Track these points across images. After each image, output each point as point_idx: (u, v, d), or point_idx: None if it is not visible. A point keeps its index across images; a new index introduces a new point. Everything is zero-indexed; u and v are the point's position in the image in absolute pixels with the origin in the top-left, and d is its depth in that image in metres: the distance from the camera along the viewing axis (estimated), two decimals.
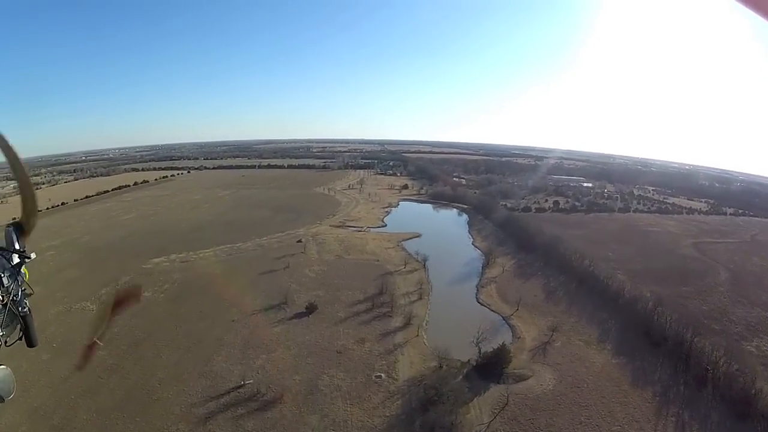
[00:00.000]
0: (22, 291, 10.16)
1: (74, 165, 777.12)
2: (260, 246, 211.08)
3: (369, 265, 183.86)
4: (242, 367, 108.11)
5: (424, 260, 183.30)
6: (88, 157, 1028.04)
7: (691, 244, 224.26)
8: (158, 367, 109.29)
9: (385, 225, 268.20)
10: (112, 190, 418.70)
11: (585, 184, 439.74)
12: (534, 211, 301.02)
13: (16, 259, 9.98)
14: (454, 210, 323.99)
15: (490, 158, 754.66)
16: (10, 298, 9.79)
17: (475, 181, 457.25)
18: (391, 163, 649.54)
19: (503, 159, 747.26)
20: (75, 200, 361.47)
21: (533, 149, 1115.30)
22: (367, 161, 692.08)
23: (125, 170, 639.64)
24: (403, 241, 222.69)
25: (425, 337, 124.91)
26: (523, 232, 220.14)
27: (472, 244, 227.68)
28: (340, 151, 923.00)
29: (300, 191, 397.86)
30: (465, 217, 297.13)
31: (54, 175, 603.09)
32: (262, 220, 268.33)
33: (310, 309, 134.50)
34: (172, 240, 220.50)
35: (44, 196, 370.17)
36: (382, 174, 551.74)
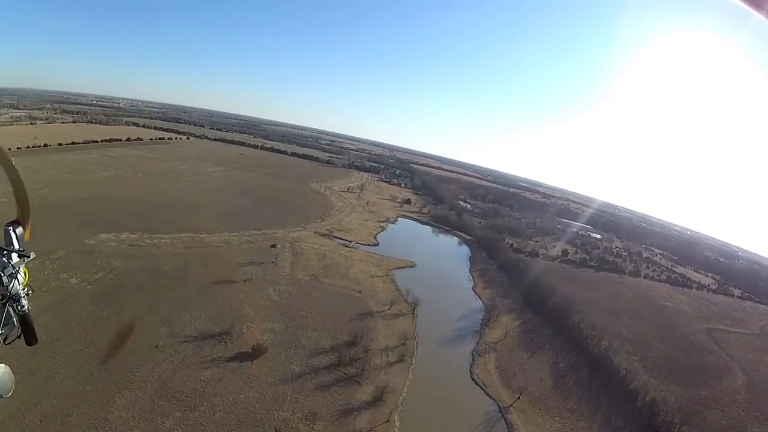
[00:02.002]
0: (21, 290, 10.04)
1: (80, 107, 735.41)
2: (227, 243, 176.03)
3: (348, 297, 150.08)
4: (145, 427, 75.21)
5: (415, 303, 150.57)
6: (98, 102, 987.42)
7: (705, 330, 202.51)
8: (33, 408, 75.48)
9: (378, 244, 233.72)
10: (102, 141, 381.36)
11: (594, 235, 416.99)
12: (541, 257, 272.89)
13: (15, 259, 9.95)
14: (456, 240, 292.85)
15: (499, 187, 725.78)
16: (10, 296, 9.72)
17: (481, 209, 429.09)
18: (397, 172, 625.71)
19: (511, 190, 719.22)
20: (59, 144, 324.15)
21: (541, 185, 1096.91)
22: (374, 164, 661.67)
23: (126, 123, 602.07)
24: (394, 269, 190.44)
25: (397, 424, 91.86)
26: (532, 285, 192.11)
27: (473, 289, 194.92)
28: (348, 149, 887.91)
29: (294, 184, 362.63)
30: (467, 251, 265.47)
31: (55, 113, 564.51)
32: (241, 210, 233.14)
33: (257, 351, 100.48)
34: (133, 214, 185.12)
35: (32, 134, 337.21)
36: (386, 182, 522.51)
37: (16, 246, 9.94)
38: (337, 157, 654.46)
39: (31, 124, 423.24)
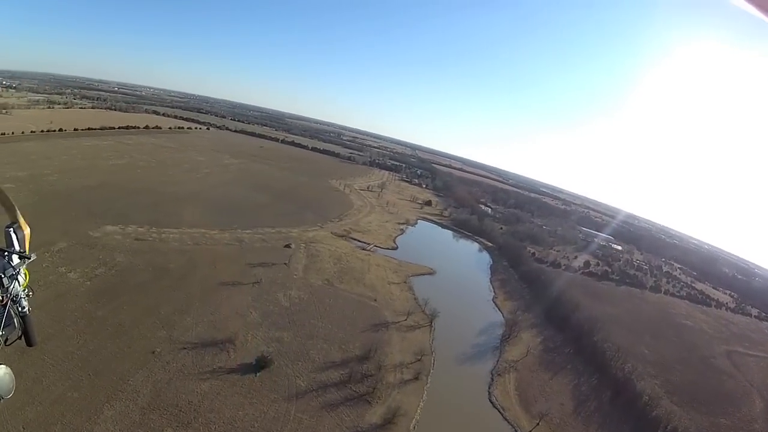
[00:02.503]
0: (22, 291, 10.46)
1: (100, 93, 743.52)
2: (239, 241, 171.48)
3: (363, 305, 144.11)
4: None
5: (433, 315, 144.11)
6: (120, 89, 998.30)
7: (725, 353, 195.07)
8: (17, 413, 70.80)
9: (396, 248, 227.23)
10: (119, 128, 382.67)
11: (615, 246, 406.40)
12: (563, 268, 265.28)
13: (15, 260, 10.29)
14: (477, 246, 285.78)
15: (520, 191, 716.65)
16: (10, 298, 10.06)
17: (502, 214, 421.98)
18: (418, 172, 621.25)
19: (532, 195, 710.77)
20: (75, 129, 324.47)
21: (561, 191, 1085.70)
22: (395, 163, 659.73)
23: (145, 111, 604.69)
24: (412, 276, 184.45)
25: None
26: (554, 299, 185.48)
27: (494, 300, 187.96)
28: (369, 146, 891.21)
29: (313, 180, 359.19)
30: (488, 258, 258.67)
31: (74, 98, 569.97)
32: (256, 206, 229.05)
33: (261, 364, 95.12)
34: (142, 205, 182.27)
35: (48, 118, 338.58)
36: (407, 181, 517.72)
37: (17, 247, 10.39)
38: (358, 154, 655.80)
39: (49, 108, 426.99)
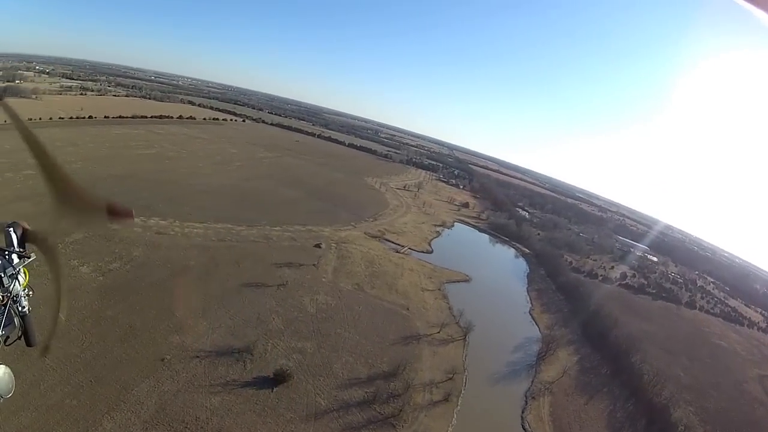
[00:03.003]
0: (22, 291, 10.71)
1: (136, 81, 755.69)
2: (266, 238, 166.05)
3: (393, 314, 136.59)
4: None
5: (468, 328, 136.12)
6: (156, 78, 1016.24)
7: (757, 378, 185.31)
8: (11, 417, 66.00)
9: (432, 251, 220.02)
10: (151, 117, 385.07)
11: (651, 257, 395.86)
12: (600, 278, 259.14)
13: (15, 260, 10.48)
14: (513, 252, 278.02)
15: (557, 196, 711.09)
16: (10, 298, 10.28)
17: (539, 220, 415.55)
18: (456, 172, 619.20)
19: (569, 200, 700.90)
20: (105, 117, 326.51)
21: (597, 197, 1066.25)
22: (432, 162, 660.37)
23: (181, 100, 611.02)
24: (447, 282, 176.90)
25: None
26: (592, 314, 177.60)
27: (530, 312, 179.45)
28: (407, 144, 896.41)
29: (348, 177, 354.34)
30: (524, 266, 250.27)
31: (108, 86, 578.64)
32: (287, 201, 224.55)
33: (279, 378, 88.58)
34: (167, 197, 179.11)
35: (79, 104, 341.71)
36: (444, 182, 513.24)
37: (17, 247, 10.52)
38: (395, 152, 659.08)
39: (81, 94, 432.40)
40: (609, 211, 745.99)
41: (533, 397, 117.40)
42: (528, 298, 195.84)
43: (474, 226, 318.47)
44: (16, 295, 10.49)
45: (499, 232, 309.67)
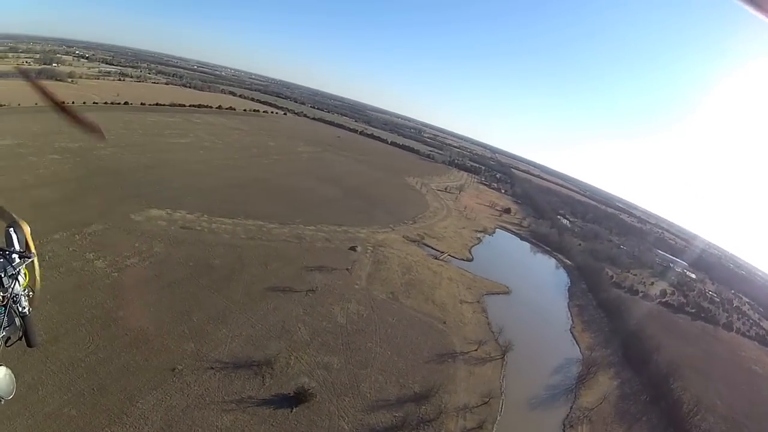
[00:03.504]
0: (22, 291, 10.94)
1: (177, 70, 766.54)
2: (299, 239, 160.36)
3: (429, 327, 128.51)
4: None
5: (507, 347, 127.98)
6: (199, 67, 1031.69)
7: None
8: (3, 423, 61.98)
9: (472, 259, 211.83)
10: (189, 105, 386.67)
11: (689, 274, 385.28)
12: (640, 295, 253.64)
13: (16, 260, 10.74)
14: (554, 262, 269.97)
15: (598, 205, 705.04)
16: (11, 298, 10.53)
17: (580, 229, 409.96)
18: (497, 175, 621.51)
19: (609, 210, 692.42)
20: (141, 104, 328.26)
21: (635, 207, 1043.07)
22: (474, 165, 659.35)
23: (222, 90, 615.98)
24: (487, 294, 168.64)
25: None
26: (633, 335, 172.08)
27: (571, 330, 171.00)
28: (450, 145, 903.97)
29: (389, 176, 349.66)
30: (566, 278, 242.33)
31: (148, 73, 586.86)
32: (324, 200, 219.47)
33: (300, 397, 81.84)
34: (197, 189, 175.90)
35: (116, 90, 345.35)
36: (485, 185, 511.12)
37: (17, 247, 10.91)
38: (438, 153, 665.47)
39: (119, 80, 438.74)
40: (648, 222, 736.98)
41: (571, 426, 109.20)
42: (569, 315, 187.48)
43: (515, 234, 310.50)
44: (17, 296, 10.59)
45: (541, 241, 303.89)
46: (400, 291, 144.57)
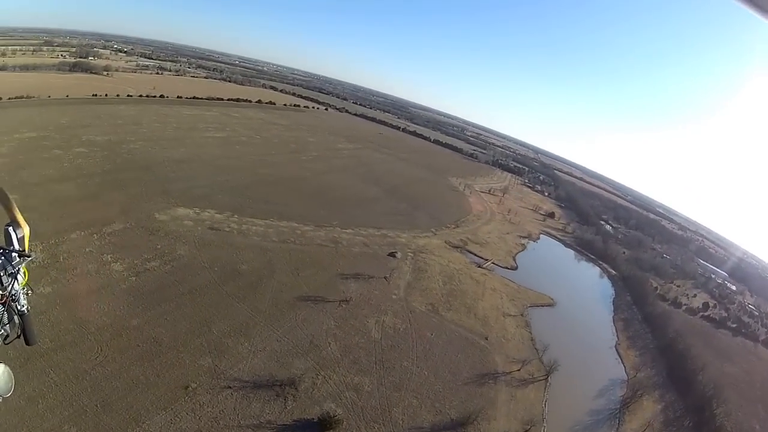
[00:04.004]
0: (21, 290, 11.21)
1: (219, 64, 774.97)
2: (334, 242, 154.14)
3: (470, 344, 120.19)
4: None
5: (551, 367, 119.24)
6: (241, 63, 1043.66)
7: None
8: None
9: (516, 267, 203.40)
10: (228, 99, 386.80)
11: (730, 286, 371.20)
12: (684, 308, 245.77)
13: (15, 259, 11.00)
14: (598, 271, 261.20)
15: (640, 210, 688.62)
16: (10, 297, 10.81)
17: (624, 236, 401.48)
18: (541, 177, 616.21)
19: (651, 216, 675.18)
20: (178, 97, 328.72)
21: (676, 213, 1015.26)
22: (517, 165, 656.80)
23: (263, 85, 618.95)
24: (531, 306, 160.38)
25: None
26: (678, 353, 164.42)
27: (616, 347, 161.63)
28: (492, 144, 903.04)
29: (431, 175, 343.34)
30: (610, 289, 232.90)
31: (188, 67, 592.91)
32: (364, 200, 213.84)
33: (325, 423, 74.55)
34: (229, 186, 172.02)
35: (152, 83, 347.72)
36: (529, 187, 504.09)
37: (16, 246, 11.07)
38: (481, 152, 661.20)
39: (157, 74, 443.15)
40: (688, 230, 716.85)
41: None
42: (614, 330, 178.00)
43: (560, 240, 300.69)
44: (15, 294, 10.80)
45: (585, 249, 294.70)
46: (440, 302, 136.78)
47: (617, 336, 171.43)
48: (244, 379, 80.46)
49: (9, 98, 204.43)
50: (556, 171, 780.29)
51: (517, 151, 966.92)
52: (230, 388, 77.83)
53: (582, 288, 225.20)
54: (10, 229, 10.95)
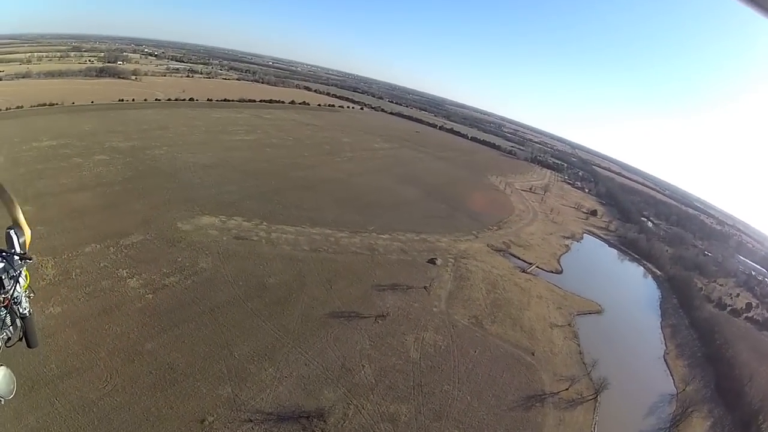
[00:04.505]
0: (23, 293, 11.19)
1: (251, 66, 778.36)
2: (371, 250, 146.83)
3: (515, 361, 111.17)
4: None
5: (601, 385, 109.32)
6: (274, 64, 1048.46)
7: None
8: None
9: (561, 270, 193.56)
10: (260, 101, 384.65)
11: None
12: (728, 310, 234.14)
13: (17, 262, 10.88)
14: (642, 271, 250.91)
15: (678, 205, 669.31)
16: (11, 299, 10.72)
17: (666, 233, 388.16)
18: (580, 173, 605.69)
19: (690, 211, 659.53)
20: (208, 100, 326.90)
21: (713, 207, 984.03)
22: (556, 162, 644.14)
23: (296, 86, 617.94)
24: (578, 314, 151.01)
25: None
26: (726, 362, 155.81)
27: (664, 357, 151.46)
28: (530, 140, 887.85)
29: (470, 174, 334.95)
30: (656, 291, 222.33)
31: (220, 69, 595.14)
32: (401, 202, 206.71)
33: None
34: (258, 192, 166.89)
35: (182, 86, 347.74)
36: (569, 183, 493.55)
37: (18, 249, 10.97)
38: (519, 149, 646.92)
39: (187, 77, 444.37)
40: (726, 224, 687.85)
41: None
42: (662, 337, 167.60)
43: (604, 240, 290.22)
44: (17, 297, 10.74)
45: (629, 248, 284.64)
46: (484, 314, 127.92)
47: (665, 344, 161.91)
48: (266, 411, 73.39)
49: (31, 106, 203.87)
50: (594, 167, 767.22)
51: (555, 147, 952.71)
52: (251, 421, 70.88)
53: (628, 291, 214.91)
54: (12, 232, 10.88)
